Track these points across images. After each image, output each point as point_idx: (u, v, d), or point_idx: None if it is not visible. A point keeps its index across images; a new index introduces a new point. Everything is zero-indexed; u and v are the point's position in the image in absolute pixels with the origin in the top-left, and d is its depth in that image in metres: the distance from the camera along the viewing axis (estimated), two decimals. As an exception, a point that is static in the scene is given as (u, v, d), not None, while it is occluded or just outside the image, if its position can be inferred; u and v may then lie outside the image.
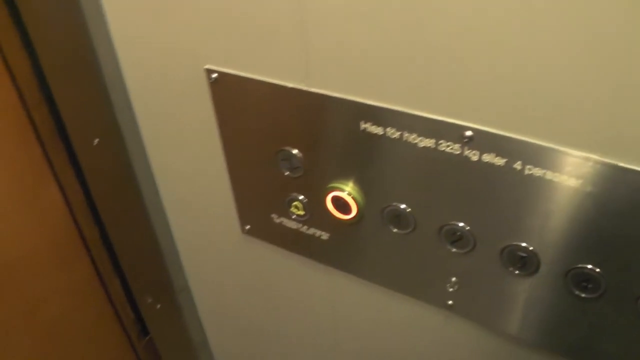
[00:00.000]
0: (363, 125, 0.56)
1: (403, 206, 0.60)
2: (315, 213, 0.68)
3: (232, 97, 0.65)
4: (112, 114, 0.77)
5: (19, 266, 0.91)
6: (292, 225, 0.72)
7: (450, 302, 0.64)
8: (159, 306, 1.05)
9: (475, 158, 0.51)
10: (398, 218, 0.61)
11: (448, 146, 0.52)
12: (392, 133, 0.55)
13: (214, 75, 0.65)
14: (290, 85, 0.59)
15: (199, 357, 1.15)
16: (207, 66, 0.65)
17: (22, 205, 0.88)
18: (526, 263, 0.54)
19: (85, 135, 0.83)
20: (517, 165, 0.49)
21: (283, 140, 0.64)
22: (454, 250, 0.59)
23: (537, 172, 0.48)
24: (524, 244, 0.53)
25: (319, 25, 0.53)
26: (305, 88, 0.58)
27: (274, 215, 0.74)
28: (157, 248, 0.92)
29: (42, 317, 0.99)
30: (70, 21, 0.71)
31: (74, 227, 0.99)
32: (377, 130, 0.56)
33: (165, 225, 0.93)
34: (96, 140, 0.83)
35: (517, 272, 0.56)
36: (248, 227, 0.79)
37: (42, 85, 0.83)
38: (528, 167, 0.49)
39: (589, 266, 0.51)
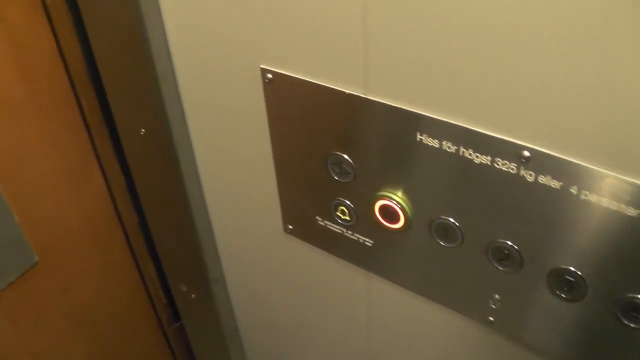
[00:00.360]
0: (419, 137, 0.56)
1: (452, 220, 0.60)
2: (361, 219, 0.69)
3: (286, 98, 0.66)
4: (161, 106, 0.79)
5: (58, 245, 0.94)
6: (337, 229, 0.73)
7: (491, 318, 0.64)
8: (193, 295, 1.07)
9: (530, 179, 0.51)
10: (446, 231, 0.61)
11: (504, 165, 0.52)
12: (449, 147, 0.55)
13: (269, 75, 0.65)
14: (347, 91, 0.59)
15: (229, 348, 1.16)
16: (263, 65, 0.66)
17: (65, 186, 0.90)
18: (573, 288, 0.54)
19: (132, 125, 0.85)
20: (573, 190, 0.49)
21: (335, 144, 0.65)
22: (500, 268, 0.59)
23: (593, 198, 0.48)
24: (572, 269, 0.53)
25: (381, 32, 0.54)
26: (362, 95, 0.59)
27: (318, 218, 0.74)
28: (195, 238, 0.94)
29: (75, 297, 1.01)
30: (125, 10, 0.72)
31: (113, 211, 1.01)
32: (433, 142, 0.56)
33: (205, 217, 0.94)
34: (142, 130, 0.84)
35: (563, 295, 0.55)
36: (291, 227, 0.80)
37: (92, 72, 0.85)
38: (584, 192, 0.48)
39: (640, 296, 0.50)
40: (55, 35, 0.81)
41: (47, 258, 0.92)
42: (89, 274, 1.02)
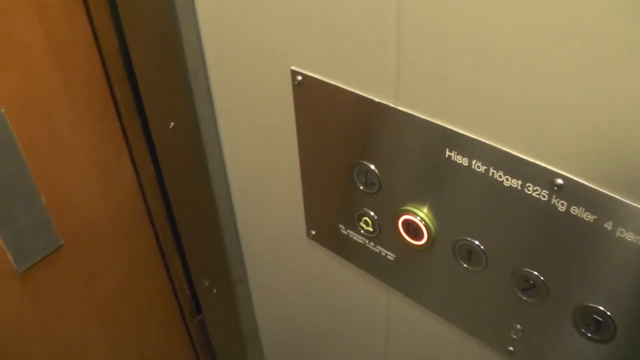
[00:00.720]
0: (448, 153, 0.54)
1: (477, 243, 0.56)
2: (384, 232, 0.66)
3: (315, 102, 0.64)
4: (191, 101, 0.77)
5: (85, 232, 0.93)
6: (359, 239, 0.70)
7: (511, 348, 0.61)
8: (214, 291, 1.06)
9: (562, 209, 0.48)
10: (470, 254, 0.58)
11: (535, 190, 0.49)
12: (478, 166, 0.52)
13: (299, 77, 0.63)
14: (377, 99, 0.57)
15: (248, 345, 1.15)
16: (293, 67, 0.64)
17: (95, 175, 0.90)
18: (601, 328, 0.50)
19: (162, 118, 0.84)
20: (608, 225, 0.45)
21: (362, 153, 0.62)
22: (524, 298, 0.55)
23: (630, 236, 0.44)
24: (601, 308, 0.49)
25: (415, 44, 0.51)
26: (392, 105, 0.56)
27: (341, 226, 0.72)
28: (219, 236, 0.93)
29: (100, 284, 1.01)
30: (160, 5, 0.71)
31: (142, 202, 1.00)
32: (463, 160, 0.53)
33: (231, 215, 0.93)
34: (172, 124, 0.83)
35: (589, 335, 0.52)
36: (314, 232, 0.78)
37: (126, 64, 0.85)
38: (620, 229, 0.45)
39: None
40: (92, 25, 0.80)
41: (74, 244, 0.92)
42: (114, 263, 1.01)
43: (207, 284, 1.06)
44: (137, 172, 0.96)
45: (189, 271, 1.13)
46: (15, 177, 0.80)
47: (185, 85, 0.75)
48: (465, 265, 0.59)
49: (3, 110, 0.75)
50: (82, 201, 0.91)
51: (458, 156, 0.53)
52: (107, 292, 1.03)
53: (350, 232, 0.71)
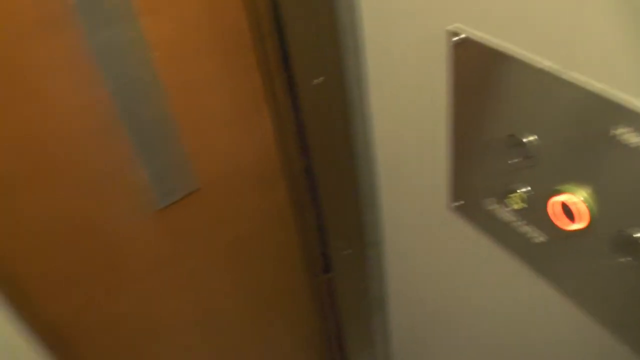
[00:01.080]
0: (620, 130, 0.48)
1: (643, 235, 0.50)
2: (535, 211, 0.61)
3: (472, 64, 0.60)
4: (341, 57, 0.75)
5: (222, 178, 0.96)
6: (506, 216, 0.66)
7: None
8: (348, 252, 1.05)
9: None
10: (632, 246, 0.52)
11: None
12: (654, 148, 0.46)
13: (458, 38, 0.59)
14: (544, 66, 0.52)
15: (374, 311, 1.14)
16: (451, 26, 0.60)
17: (236, 124, 0.92)
18: None
19: (309, 73, 0.83)
20: None
21: (520, 125, 0.57)
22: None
23: None
24: None
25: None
26: (561, 74, 0.51)
27: (488, 200, 0.68)
28: (359, 197, 0.91)
29: (232, 230, 1.04)
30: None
31: (279, 155, 1.01)
32: (636, 140, 0.47)
33: (372, 177, 0.91)
34: (319, 79, 0.82)
35: None
36: (457, 204, 0.74)
37: (276, 17, 0.84)
38: None
39: None
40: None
41: (210, 188, 0.95)
42: (246, 211, 1.04)
43: (340, 243, 1.05)
44: (278, 124, 0.97)
45: (322, 229, 1.14)
46: (160, 119, 0.83)
47: (337, 40, 0.73)
48: (624, 259, 0.53)
49: (157, 54, 0.78)
50: (221, 148, 0.93)
51: (632, 135, 0.47)
52: (236, 238, 1.06)
53: (497, 207, 0.67)
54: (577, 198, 0.54)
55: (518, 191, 0.62)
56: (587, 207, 0.54)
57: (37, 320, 0.85)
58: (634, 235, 0.51)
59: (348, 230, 1.01)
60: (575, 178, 0.54)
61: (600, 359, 0.66)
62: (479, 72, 0.59)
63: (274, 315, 1.24)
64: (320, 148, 0.93)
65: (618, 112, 0.47)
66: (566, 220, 0.57)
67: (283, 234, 1.12)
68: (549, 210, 0.58)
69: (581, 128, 0.51)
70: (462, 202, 0.73)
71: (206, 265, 1.04)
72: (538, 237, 0.63)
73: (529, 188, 0.61)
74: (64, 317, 0.91)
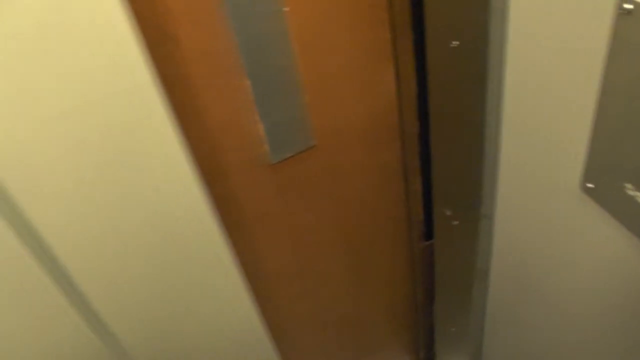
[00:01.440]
0: None
1: None
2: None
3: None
4: (485, 21, 0.71)
5: (337, 135, 0.95)
6: (649, 205, 0.61)
7: None
8: (455, 222, 1.02)
9: None
10: None
11: None
12: None
13: (629, 5, 0.54)
14: None
15: (472, 285, 1.11)
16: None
17: (357, 82, 0.90)
18: None
19: (444, 35, 0.79)
20: None
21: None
22: None
23: None
24: None
25: None
26: None
27: (628, 185, 0.63)
28: (478, 166, 0.88)
29: (342, 189, 1.04)
30: None
31: (397, 116, 0.99)
32: None
33: (495, 146, 0.86)
34: (454, 43, 0.78)
35: None
36: (590, 185, 0.69)
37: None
38: None
39: None
40: None
41: (325, 145, 0.94)
42: (357, 170, 1.03)
43: (448, 213, 1.02)
44: (398, 85, 0.94)
45: (428, 195, 1.11)
46: (284, 73, 0.82)
47: (482, 2, 0.68)
48: None
49: (286, 9, 0.77)
50: (340, 105, 0.92)
51: None
52: (345, 195, 1.05)
53: (638, 194, 0.62)
54: None
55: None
56: None
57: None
58: None
59: (460, 200, 0.98)
60: None
61: None
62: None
63: (371, 273, 1.24)
64: (441, 114, 0.90)
65: None
66: None
67: (389, 195, 1.11)
68: None
69: None
70: (596, 184, 0.68)
71: (312, 220, 1.05)
72: (686, 232, 0.58)
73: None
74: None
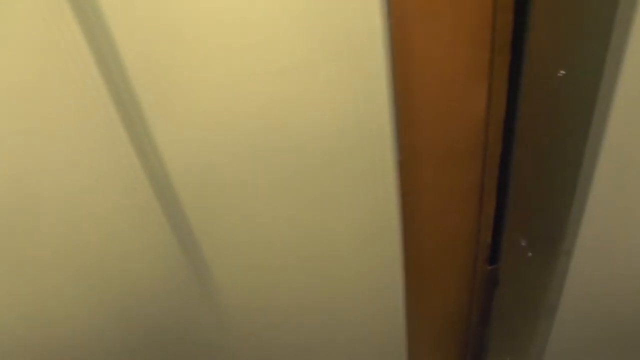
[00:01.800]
0: None
1: None
2: None
3: None
4: (601, 54, 0.67)
5: (421, 155, 0.93)
6: None
7: None
8: (529, 254, 0.98)
9: None
10: None
11: None
12: None
13: None
14: None
15: (539, 318, 1.06)
16: None
17: (447, 98, 0.87)
18: None
19: (550, 63, 0.75)
20: None
21: None
22: None
23: None
24: None
25: None
26: None
27: None
28: (567, 200, 0.83)
29: (421, 204, 1.01)
30: None
31: (482, 136, 0.95)
32: None
33: (588, 182, 0.82)
34: (561, 72, 0.74)
35: None
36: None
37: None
38: None
39: None
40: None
41: (410, 159, 0.92)
42: (436, 186, 1.00)
43: (523, 243, 0.98)
44: (487, 106, 0.91)
45: (498, 218, 1.08)
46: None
47: (601, 34, 0.64)
48: None
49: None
50: (428, 121, 0.90)
51: None
52: (421, 210, 1.02)
53: None
54: None
55: None
56: None
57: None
58: None
59: (537, 232, 0.93)
60: None
61: None
62: None
63: (429, 286, 1.21)
64: (531, 140, 0.86)
65: None
66: None
67: (459, 213, 1.07)
68: None
69: None
70: None
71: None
72: None
73: None
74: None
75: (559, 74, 0.73)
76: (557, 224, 0.87)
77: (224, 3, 0.59)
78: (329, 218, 0.82)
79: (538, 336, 1.11)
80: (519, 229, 0.99)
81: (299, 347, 1.02)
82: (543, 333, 1.10)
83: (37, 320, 0.78)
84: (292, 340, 1.00)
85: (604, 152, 0.77)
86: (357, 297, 0.96)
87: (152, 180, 0.70)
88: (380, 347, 1.08)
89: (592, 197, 0.83)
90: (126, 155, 0.67)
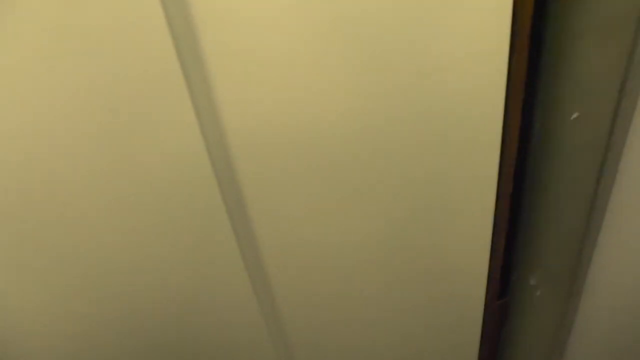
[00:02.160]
0: None
1: None
2: None
3: None
4: (612, 96, 0.67)
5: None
6: None
7: None
8: (538, 292, 0.97)
9: None
10: None
11: None
12: None
13: None
14: None
15: (549, 356, 1.06)
16: None
17: None
18: None
19: (564, 106, 0.75)
20: None
21: None
22: None
23: None
24: None
25: None
26: None
27: None
28: (578, 242, 0.83)
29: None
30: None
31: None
32: None
33: (599, 225, 0.82)
34: (574, 115, 0.74)
35: None
36: None
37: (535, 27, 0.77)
38: None
39: None
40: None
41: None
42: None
43: (532, 283, 0.98)
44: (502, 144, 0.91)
45: (509, 254, 1.07)
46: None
47: (625, 73, 0.63)
48: None
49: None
50: None
51: None
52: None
53: None
54: None
55: None
56: None
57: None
58: None
59: (548, 271, 0.93)
60: None
61: None
62: None
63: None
64: (546, 181, 0.86)
65: None
66: None
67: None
68: None
69: None
70: None
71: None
72: None
73: None
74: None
75: (572, 117, 0.73)
76: (569, 267, 0.87)
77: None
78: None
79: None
80: (529, 268, 0.99)
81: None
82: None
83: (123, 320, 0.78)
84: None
85: (616, 195, 0.78)
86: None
87: (224, 193, 0.68)
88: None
89: (603, 239, 0.83)
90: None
